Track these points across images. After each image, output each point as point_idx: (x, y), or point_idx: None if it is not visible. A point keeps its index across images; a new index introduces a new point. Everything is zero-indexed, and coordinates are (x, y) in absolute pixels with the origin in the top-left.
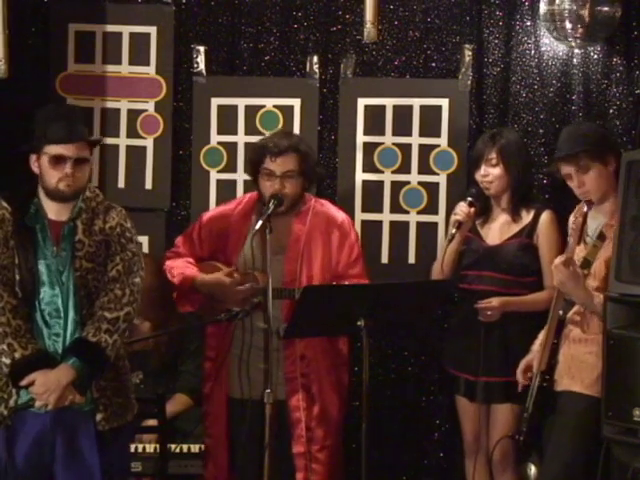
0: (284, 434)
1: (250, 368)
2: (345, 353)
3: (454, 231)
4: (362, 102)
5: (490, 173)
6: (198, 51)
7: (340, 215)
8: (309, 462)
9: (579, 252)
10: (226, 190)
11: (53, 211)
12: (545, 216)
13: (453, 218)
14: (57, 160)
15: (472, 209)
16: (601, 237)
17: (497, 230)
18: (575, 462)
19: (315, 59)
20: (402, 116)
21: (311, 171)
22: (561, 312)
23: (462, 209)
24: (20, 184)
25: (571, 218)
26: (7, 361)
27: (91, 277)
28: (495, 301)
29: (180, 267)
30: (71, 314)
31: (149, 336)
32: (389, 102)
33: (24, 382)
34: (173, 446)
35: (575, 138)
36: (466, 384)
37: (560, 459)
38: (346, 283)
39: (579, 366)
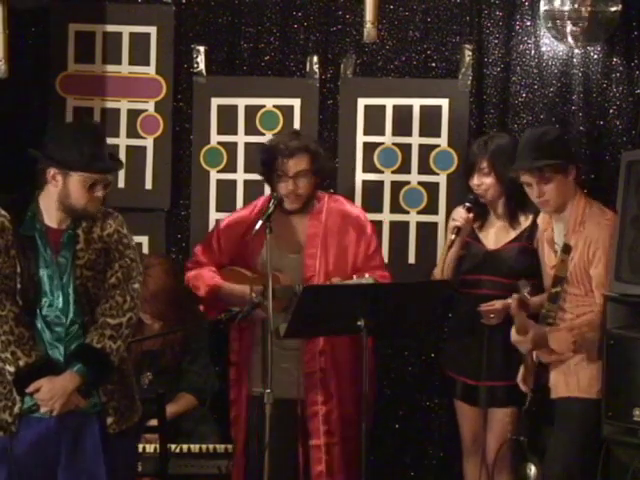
0: (302, 429)
1: (273, 367)
2: (368, 347)
3: (453, 237)
4: (362, 102)
5: (483, 182)
6: (198, 51)
7: (355, 210)
8: (326, 455)
9: (552, 260)
10: (226, 190)
11: (54, 219)
12: None
13: (452, 224)
14: (91, 185)
15: (470, 214)
16: (566, 250)
17: (496, 234)
18: (576, 463)
19: (315, 59)
20: (402, 116)
21: (323, 169)
22: (526, 294)
23: (460, 214)
24: (18, 188)
25: (540, 224)
26: (11, 369)
27: (91, 285)
28: (498, 304)
29: (205, 278)
30: (72, 321)
31: (150, 336)
32: (389, 102)
33: (30, 389)
34: (173, 446)
35: (538, 148)
36: (464, 388)
37: (561, 461)
38: (366, 275)
39: (573, 371)
